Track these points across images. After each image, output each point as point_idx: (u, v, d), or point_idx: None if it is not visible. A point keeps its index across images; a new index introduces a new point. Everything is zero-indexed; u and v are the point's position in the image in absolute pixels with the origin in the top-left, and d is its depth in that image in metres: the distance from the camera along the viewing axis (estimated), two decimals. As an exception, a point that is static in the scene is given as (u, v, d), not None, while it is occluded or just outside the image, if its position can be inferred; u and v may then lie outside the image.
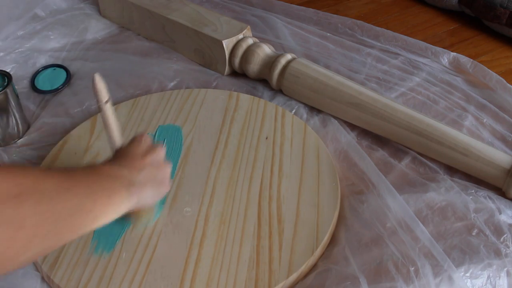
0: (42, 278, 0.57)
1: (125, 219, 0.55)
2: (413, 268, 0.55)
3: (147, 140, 0.55)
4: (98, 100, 0.54)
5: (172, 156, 0.70)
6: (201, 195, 0.64)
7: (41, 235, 0.36)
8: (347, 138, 0.74)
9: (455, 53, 0.92)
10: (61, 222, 0.38)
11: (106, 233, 0.60)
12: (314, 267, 0.59)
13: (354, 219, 0.63)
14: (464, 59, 0.90)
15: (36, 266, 0.58)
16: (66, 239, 0.40)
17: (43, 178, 0.39)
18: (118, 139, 0.56)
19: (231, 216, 0.62)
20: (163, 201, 0.62)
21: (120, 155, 0.53)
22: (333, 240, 0.62)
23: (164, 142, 0.70)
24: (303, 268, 0.57)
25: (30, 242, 0.35)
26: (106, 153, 0.70)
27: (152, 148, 0.54)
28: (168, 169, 0.55)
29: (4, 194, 0.34)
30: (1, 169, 0.36)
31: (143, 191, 0.50)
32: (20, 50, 0.92)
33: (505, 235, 0.60)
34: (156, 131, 0.74)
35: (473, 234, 0.60)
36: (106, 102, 0.54)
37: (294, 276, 0.56)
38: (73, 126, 0.76)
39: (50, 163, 0.69)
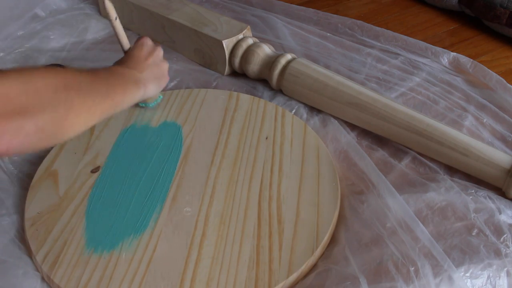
0: (42, 278, 0.57)
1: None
2: (413, 268, 0.55)
3: (148, 43, 0.70)
4: (109, 18, 0.70)
5: (172, 155, 0.70)
6: (201, 195, 0.64)
7: (85, 110, 0.51)
8: (347, 138, 0.74)
9: (455, 53, 0.92)
10: (96, 103, 0.53)
11: (106, 232, 0.60)
12: (314, 267, 0.59)
13: (354, 219, 0.63)
14: (464, 59, 0.90)
15: (36, 266, 0.58)
16: (102, 115, 0.55)
17: (79, 74, 0.52)
18: (126, 44, 0.73)
19: (231, 216, 0.62)
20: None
21: (128, 58, 0.68)
22: (333, 240, 0.62)
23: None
24: (303, 268, 0.57)
25: (78, 116, 0.49)
26: (106, 153, 0.70)
27: (152, 50, 0.69)
28: (166, 65, 0.71)
29: (56, 86, 0.47)
30: (48, 70, 0.49)
31: (147, 85, 0.66)
32: (20, 50, 0.92)
33: (505, 235, 0.60)
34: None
35: (473, 234, 0.60)
36: (116, 18, 0.71)
37: (294, 276, 0.56)
38: (73, 126, 0.76)
39: (50, 163, 0.69)
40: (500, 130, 0.77)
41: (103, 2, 0.70)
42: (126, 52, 0.72)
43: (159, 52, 0.70)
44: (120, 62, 0.68)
